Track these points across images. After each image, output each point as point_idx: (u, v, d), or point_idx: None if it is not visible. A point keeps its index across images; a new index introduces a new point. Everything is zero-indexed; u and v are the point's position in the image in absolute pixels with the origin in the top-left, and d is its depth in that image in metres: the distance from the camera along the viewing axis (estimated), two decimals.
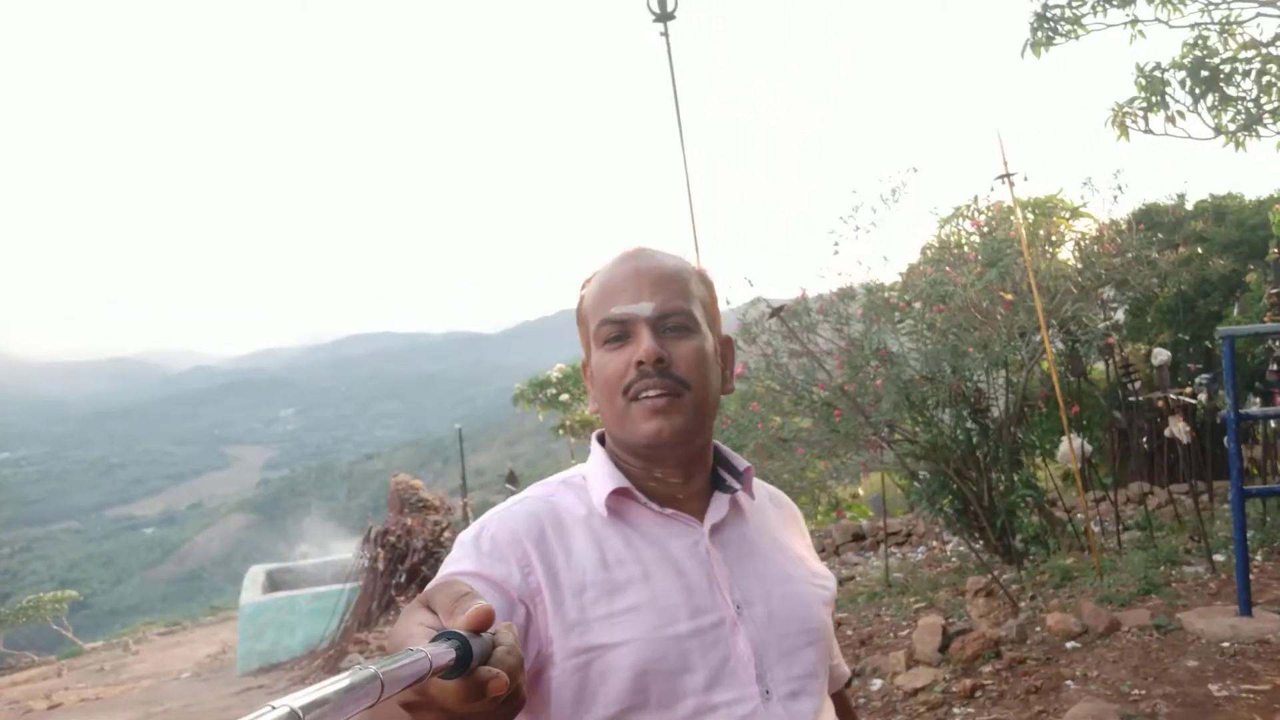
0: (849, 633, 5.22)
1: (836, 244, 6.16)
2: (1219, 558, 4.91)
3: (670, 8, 4.66)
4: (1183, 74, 4.95)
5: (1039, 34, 5.36)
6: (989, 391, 5.98)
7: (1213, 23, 5.14)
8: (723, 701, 0.97)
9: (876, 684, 4.28)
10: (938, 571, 6.49)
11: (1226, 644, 3.75)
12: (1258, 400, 5.85)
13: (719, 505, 1.09)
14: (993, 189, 5.53)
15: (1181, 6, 5.19)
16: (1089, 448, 6.56)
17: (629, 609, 0.97)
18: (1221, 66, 4.88)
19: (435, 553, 9.89)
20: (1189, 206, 8.57)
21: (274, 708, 0.43)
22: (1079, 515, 6.09)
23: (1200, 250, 7.80)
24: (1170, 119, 5.11)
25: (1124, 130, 5.26)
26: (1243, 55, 4.95)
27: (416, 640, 0.59)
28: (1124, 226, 6.52)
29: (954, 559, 6.90)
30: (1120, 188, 5.61)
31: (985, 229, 6.52)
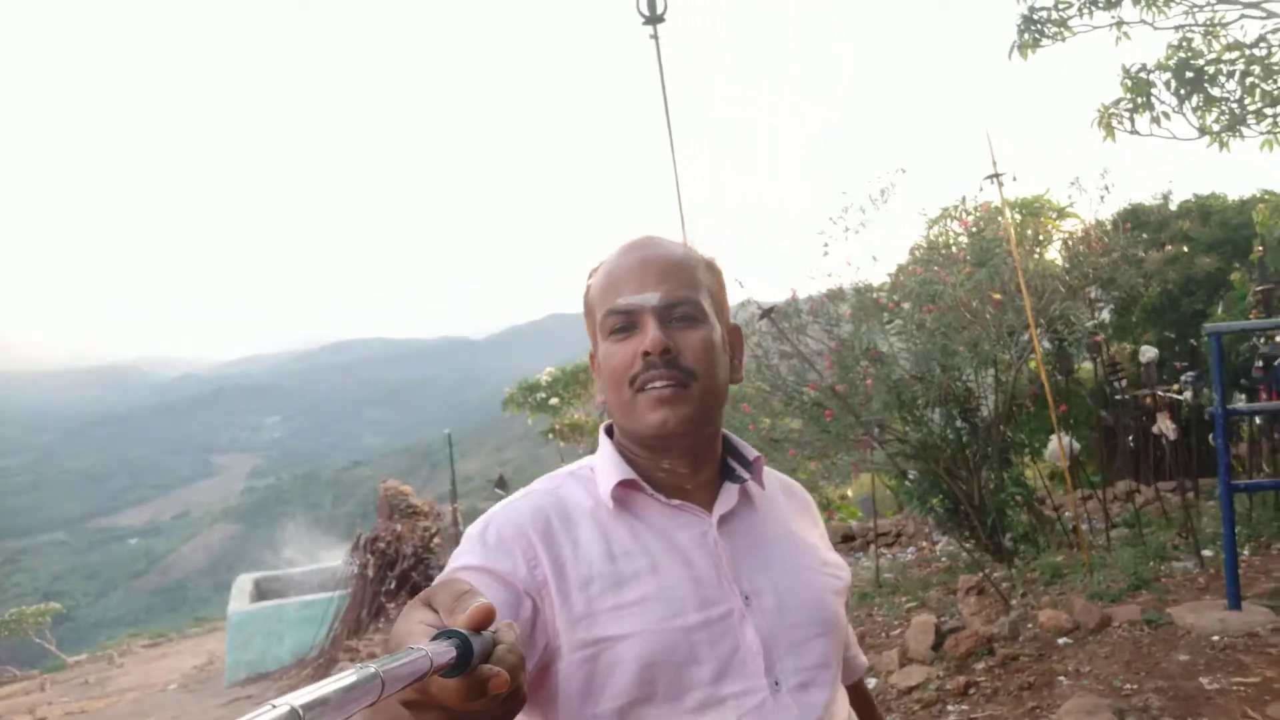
0: None
1: (826, 245, 6.18)
2: (1207, 553, 4.94)
3: (660, 10, 4.67)
4: (1168, 75, 4.99)
5: (1026, 36, 5.40)
6: (978, 391, 6.01)
7: (1197, 24, 5.20)
8: (731, 693, 0.96)
9: (870, 683, 4.29)
10: (928, 571, 6.51)
11: (1216, 638, 3.77)
12: (1243, 397, 5.90)
13: (728, 495, 1.08)
14: (981, 189, 5.57)
15: (1166, 9, 5.24)
16: (1077, 446, 6.59)
17: (636, 601, 0.97)
18: (1206, 68, 4.93)
19: (425, 559, 9.84)
20: (1173, 206, 8.65)
21: (274, 706, 0.43)
22: (1067, 513, 6.13)
23: (1185, 249, 7.87)
24: (1156, 120, 5.15)
25: (1110, 131, 5.30)
26: (1227, 56, 5.00)
27: (417, 638, 0.58)
28: (1110, 226, 6.57)
29: (944, 559, 6.92)
30: (1107, 188, 5.65)
31: (973, 229, 6.56)
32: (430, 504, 11.02)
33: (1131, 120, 5.24)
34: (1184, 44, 5.12)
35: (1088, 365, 7.88)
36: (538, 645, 0.94)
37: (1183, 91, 4.94)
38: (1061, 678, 3.75)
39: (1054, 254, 6.57)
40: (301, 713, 0.43)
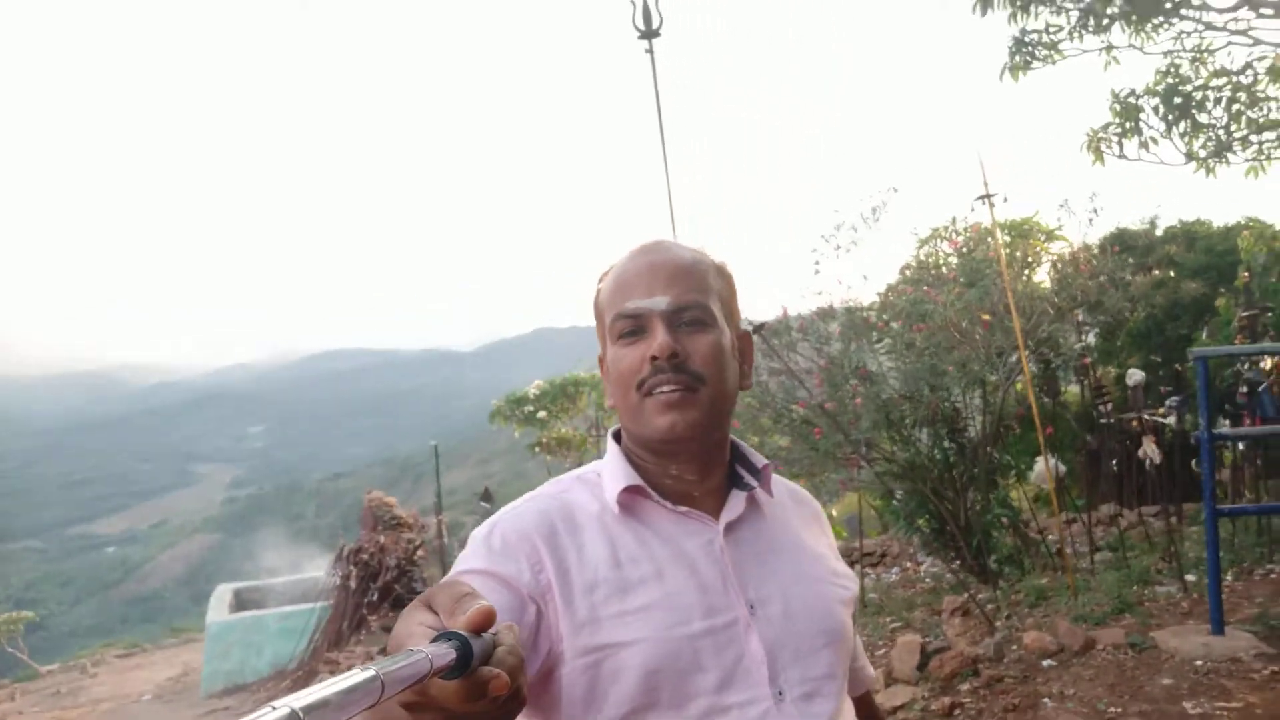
0: None
1: (817, 263, 6.21)
2: (1190, 577, 4.96)
3: (655, 25, 4.67)
4: (1156, 101, 5.07)
5: (1017, 58, 5.47)
6: (965, 411, 6.03)
7: (1185, 50, 5.28)
8: (735, 702, 0.95)
9: None
10: (912, 592, 6.51)
11: (1200, 662, 3.79)
12: (1227, 422, 5.95)
13: (735, 503, 1.08)
14: (973, 209, 5.62)
15: (1155, 34, 5.32)
16: (1063, 469, 6.62)
17: (641, 607, 0.96)
18: (1194, 94, 5.01)
19: (408, 571, 9.76)
20: (1159, 231, 8.76)
21: (274, 708, 0.42)
22: (1051, 536, 6.14)
23: (1172, 274, 7.95)
24: (1144, 145, 5.22)
25: (1099, 155, 5.37)
26: (1214, 83, 5.08)
27: (417, 640, 0.58)
28: (1098, 250, 6.63)
29: (928, 580, 6.92)
30: (1096, 211, 5.72)
31: (964, 250, 6.61)
32: (415, 516, 10.94)
33: (1120, 145, 5.31)
34: (1172, 70, 5.20)
35: (1074, 389, 7.93)
36: (541, 651, 0.94)
37: (1170, 117, 5.02)
38: (1046, 700, 3.75)
39: (1042, 276, 6.62)
40: (302, 714, 0.43)
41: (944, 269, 6.68)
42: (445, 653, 0.54)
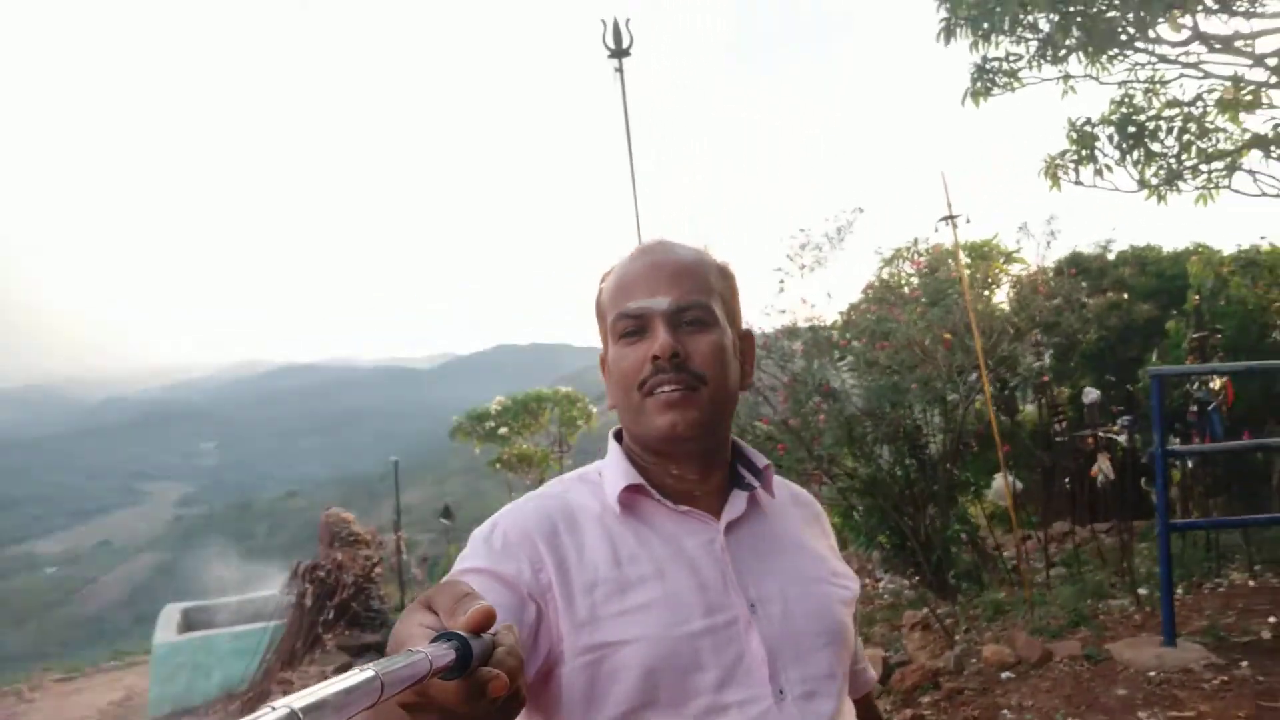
0: None
1: (782, 281, 6.28)
2: (1142, 591, 5.07)
3: (626, 44, 4.72)
4: (1111, 129, 5.23)
5: (978, 84, 5.62)
6: (927, 429, 6.12)
7: (1139, 82, 5.47)
8: (735, 701, 0.95)
9: None
10: (871, 608, 6.55)
11: (1153, 673, 3.86)
12: (1177, 440, 6.10)
13: (736, 502, 1.08)
14: (936, 229, 5.73)
15: (1110, 65, 5.50)
16: (1019, 485, 6.73)
17: (641, 606, 0.96)
18: (1147, 123, 5.18)
19: (366, 589, 9.57)
20: (1112, 256, 9.00)
21: (274, 709, 0.42)
22: (1008, 552, 6.24)
23: (1125, 297, 8.17)
24: (1099, 172, 5.38)
25: (1056, 181, 5.52)
26: (1166, 114, 5.27)
27: (416, 641, 0.58)
28: (1055, 272, 6.80)
29: (886, 595, 6.97)
30: (1053, 234, 5.86)
31: (925, 270, 6.72)
32: (373, 533, 10.75)
33: (1076, 171, 5.46)
34: (1126, 100, 5.38)
35: (1029, 408, 8.07)
36: (541, 650, 0.93)
37: (1124, 146, 5.18)
38: (1005, 711, 3.80)
39: (1001, 297, 6.76)
40: (301, 715, 0.42)
41: (906, 289, 6.78)
42: (445, 653, 0.54)
